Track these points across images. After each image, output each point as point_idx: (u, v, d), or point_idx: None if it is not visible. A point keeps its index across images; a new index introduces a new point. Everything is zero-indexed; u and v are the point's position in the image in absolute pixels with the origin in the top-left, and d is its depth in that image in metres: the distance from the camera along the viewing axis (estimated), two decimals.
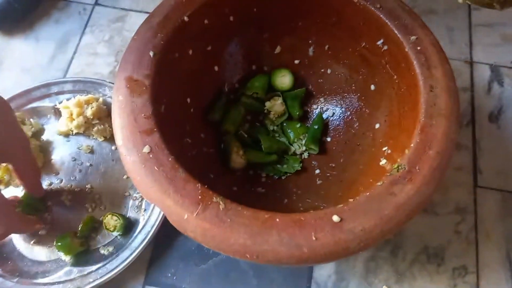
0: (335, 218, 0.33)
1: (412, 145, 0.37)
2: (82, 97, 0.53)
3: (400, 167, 0.36)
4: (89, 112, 0.52)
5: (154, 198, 0.35)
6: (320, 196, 0.44)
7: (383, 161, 0.41)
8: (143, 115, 0.38)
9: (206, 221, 0.33)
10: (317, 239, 0.32)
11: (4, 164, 0.49)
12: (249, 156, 0.48)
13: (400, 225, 0.34)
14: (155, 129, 0.37)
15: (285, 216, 0.34)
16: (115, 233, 0.48)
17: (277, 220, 0.33)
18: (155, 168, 0.35)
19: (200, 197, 0.34)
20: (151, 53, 0.41)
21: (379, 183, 0.35)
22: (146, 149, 0.36)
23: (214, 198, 0.34)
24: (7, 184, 0.51)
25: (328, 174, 0.47)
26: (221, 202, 0.34)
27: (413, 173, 0.35)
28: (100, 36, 0.62)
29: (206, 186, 0.35)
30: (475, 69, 0.59)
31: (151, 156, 0.36)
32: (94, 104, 0.53)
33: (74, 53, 0.61)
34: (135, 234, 0.47)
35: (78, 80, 0.55)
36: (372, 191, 0.35)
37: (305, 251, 0.32)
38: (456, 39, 0.61)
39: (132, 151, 0.36)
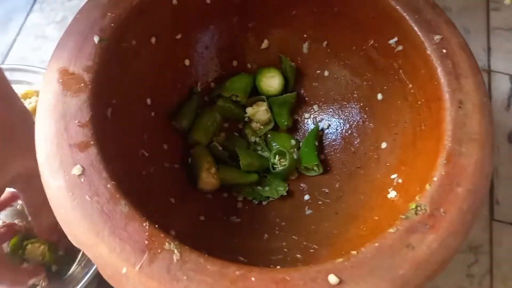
0: (332, 279, 0.24)
1: (435, 178, 0.28)
2: (19, 90, 0.42)
3: (419, 208, 0.27)
4: None
5: (82, 242, 0.25)
6: (310, 232, 0.35)
7: (392, 193, 0.33)
8: (77, 121, 0.28)
9: (153, 278, 0.24)
10: None
11: None
12: (223, 175, 0.38)
13: None
14: (91, 142, 0.27)
15: (263, 273, 0.25)
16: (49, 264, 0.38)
17: (253, 279, 0.24)
18: (87, 197, 0.26)
19: (147, 242, 0.25)
20: (96, 38, 0.31)
21: (391, 230, 0.26)
22: (76, 170, 0.26)
23: (167, 244, 0.25)
24: None
25: (320, 202, 0.38)
26: (175, 251, 0.25)
27: (437, 217, 0.27)
28: (51, 16, 0.51)
29: (156, 226, 0.25)
30: (493, 80, 0.51)
31: (82, 180, 0.26)
32: (33, 100, 0.42)
33: (17, 34, 0.50)
34: (73, 267, 0.37)
35: (16, 68, 0.45)
36: (382, 241, 0.26)
37: None
38: (472, 43, 0.53)
39: (58, 172, 0.26)
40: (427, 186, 0.28)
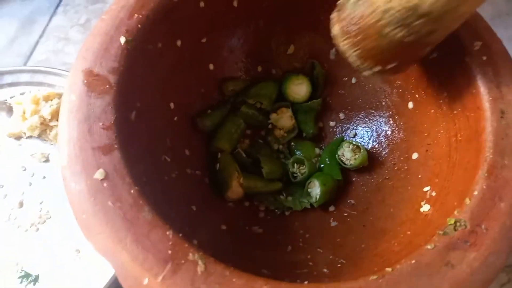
0: None
1: (475, 192, 0.26)
2: (40, 92, 0.42)
3: (458, 224, 0.25)
4: (46, 110, 0.41)
5: (103, 249, 0.24)
6: (336, 246, 0.33)
7: (425, 207, 0.31)
8: (101, 124, 0.27)
9: None
10: None
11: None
12: (246, 183, 0.37)
13: None
14: (115, 145, 0.27)
15: None
16: None
17: None
18: (109, 203, 0.25)
19: (170, 251, 0.24)
20: (123, 39, 0.30)
21: (429, 246, 0.25)
22: (99, 174, 0.25)
23: (191, 254, 0.24)
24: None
25: (345, 214, 0.36)
26: (200, 262, 0.23)
27: (478, 234, 0.25)
28: (75, 18, 0.51)
29: (181, 235, 0.24)
30: None
31: (105, 185, 0.25)
32: (55, 102, 0.42)
33: (40, 36, 0.50)
34: (94, 270, 0.36)
35: (38, 70, 0.45)
36: (419, 258, 0.24)
37: None
38: None
39: (80, 176, 0.25)
40: (467, 200, 0.26)
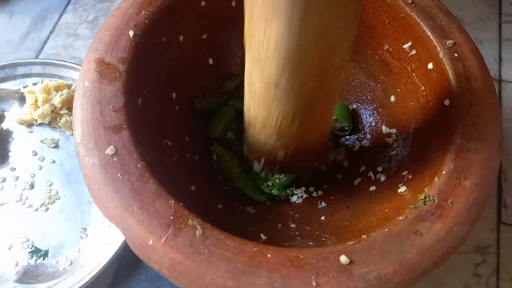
0: (343, 259, 0.26)
1: (443, 172, 0.30)
2: (52, 82, 0.45)
3: (427, 199, 0.29)
4: (57, 99, 0.44)
5: (113, 215, 0.27)
6: (322, 224, 0.36)
7: (402, 188, 0.34)
8: (111, 107, 0.30)
9: (176, 251, 0.26)
10: (318, 286, 0.25)
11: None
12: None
13: (424, 274, 0.27)
14: (124, 126, 0.30)
15: (278, 251, 0.26)
16: None
17: (269, 256, 0.26)
18: (119, 175, 0.28)
19: (172, 217, 0.27)
20: (131, 33, 0.33)
21: (400, 217, 0.28)
22: (110, 150, 0.28)
23: (190, 220, 0.27)
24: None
25: (332, 197, 0.39)
26: (198, 227, 0.27)
27: (444, 208, 0.28)
28: (83, 16, 0.55)
29: (182, 204, 0.27)
30: (503, 89, 0.52)
31: (115, 159, 0.28)
32: (65, 92, 0.45)
33: (51, 32, 0.53)
34: (98, 248, 0.39)
35: (49, 63, 0.48)
36: (392, 227, 0.28)
37: None
38: (484, 53, 0.54)
39: (93, 151, 0.29)
40: (436, 179, 0.30)
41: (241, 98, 0.43)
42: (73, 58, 0.51)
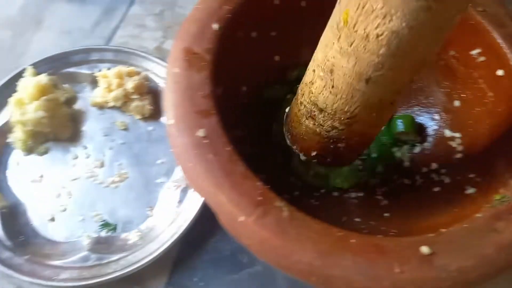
0: (425, 249, 0.27)
1: None
2: (124, 69, 0.48)
3: (504, 199, 0.30)
4: (129, 85, 0.47)
5: (205, 191, 0.29)
6: (386, 220, 0.37)
7: (470, 190, 0.35)
8: (200, 93, 0.32)
9: (266, 229, 0.27)
10: (401, 273, 0.26)
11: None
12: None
13: (500, 271, 0.28)
14: (212, 112, 0.32)
15: (362, 238, 0.28)
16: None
17: (353, 241, 0.27)
18: (211, 156, 0.30)
19: (260, 198, 0.28)
20: (215, 26, 0.35)
21: (478, 215, 0.29)
22: (201, 132, 0.30)
23: (277, 202, 0.28)
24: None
25: (393, 195, 0.40)
26: (285, 209, 0.28)
27: None
28: (150, 9, 0.57)
29: (269, 186, 0.29)
30: None
31: (206, 141, 0.30)
32: (136, 78, 0.48)
33: (120, 22, 0.56)
34: (164, 227, 0.41)
35: (121, 50, 0.50)
36: (470, 223, 0.29)
37: (386, 285, 0.26)
38: None
39: (185, 132, 0.31)
40: (510, 181, 0.30)
41: None
42: (140, 48, 0.53)
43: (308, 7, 0.43)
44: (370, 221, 0.38)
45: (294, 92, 0.45)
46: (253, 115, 0.43)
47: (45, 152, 0.46)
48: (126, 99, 0.47)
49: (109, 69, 0.49)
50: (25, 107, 0.44)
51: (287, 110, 0.40)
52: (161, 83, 0.49)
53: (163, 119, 0.48)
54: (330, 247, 0.27)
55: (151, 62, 0.50)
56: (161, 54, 0.53)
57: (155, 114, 0.48)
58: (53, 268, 0.39)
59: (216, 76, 0.34)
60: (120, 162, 0.46)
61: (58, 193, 0.44)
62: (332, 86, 0.32)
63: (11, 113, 0.46)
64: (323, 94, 0.33)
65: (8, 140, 0.46)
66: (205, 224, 0.42)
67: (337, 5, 0.29)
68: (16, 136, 0.46)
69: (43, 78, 0.46)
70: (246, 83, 0.42)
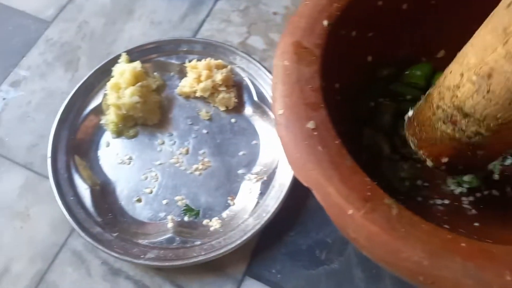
0: None
1: None
2: (213, 61, 0.50)
3: None
4: (218, 77, 0.48)
5: (312, 182, 0.30)
6: (477, 229, 0.37)
7: None
8: (310, 86, 0.33)
9: (375, 224, 0.28)
10: None
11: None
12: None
13: None
14: (322, 105, 0.32)
15: (471, 242, 0.28)
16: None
17: (463, 245, 0.27)
18: (320, 148, 0.30)
19: (369, 193, 0.29)
20: (325, 22, 0.36)
21: None
22: (311, 124, 0.31)
23: (386, 199, 0.29)
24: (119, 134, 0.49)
25: (482, 206, 0.40)
26: (394, 206, 0.28)
27: None
28: (236, 4, 0.59)
29: (376, 182, 0.29)
30: None
31: (315, 133, 0.31)
32: (224, 71, 0.49)
33: (207, 16, 0.58)
34: (245, 217, 0.43)
35: (210, 43, 0.52)
36: None
37: None
38: None
39: (294, 123, 0.31)
40: None
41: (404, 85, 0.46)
42: (226, 41, 0.55)
43: (409, 10, 0.43)
44: (459, 229, 0.37)
45: (393, 95, 0.45)
46: (344, 114, 0.43)
47: (134, 136, 0.49)
48: (214, 90, 0.49)
49: (198, 60, 0.50)
50: (121, 92, 0.47)
51: (409, 114, 0.40)
52: (246, 77, 0.51)
53: (246, 112, 0.49)
54: (439, 248, 0.27)
55: (238, 56, 0.52)
56: (245, 49, 0.54)
57: (238, 106, 0.50)
58: (141, 247, 0.41)
59: (325, 70, 0.35)
60: (203, 151, 0.47)
61: (146, 176, 0.46)
62: (488, 91, 0.30)
63: (106, 96, 0.49)
64: (472, 98, 0.31)
65: (101, 122, 0.49)
66: (284, 218, 0.43)
67: (502, 8, 0.27)
68: (109, 118, 0.48)
69: (138, 65, 0.49)
70: (339, 81, 0.42)
